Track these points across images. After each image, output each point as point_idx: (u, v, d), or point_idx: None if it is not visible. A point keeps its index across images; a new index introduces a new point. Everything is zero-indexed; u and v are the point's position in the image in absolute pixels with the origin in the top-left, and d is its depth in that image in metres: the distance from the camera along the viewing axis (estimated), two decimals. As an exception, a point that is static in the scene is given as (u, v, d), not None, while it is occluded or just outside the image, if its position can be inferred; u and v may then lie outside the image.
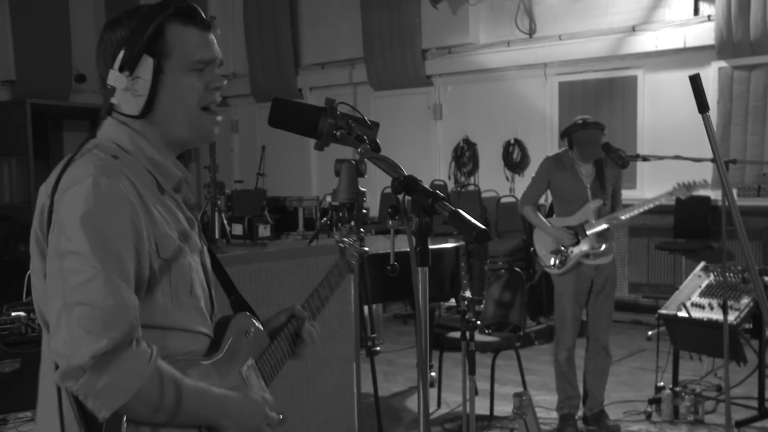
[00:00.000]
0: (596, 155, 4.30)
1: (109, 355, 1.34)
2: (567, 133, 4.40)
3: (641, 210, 4.34)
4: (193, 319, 1.56)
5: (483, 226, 1.30)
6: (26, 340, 3.15)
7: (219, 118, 1.61)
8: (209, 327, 1.62)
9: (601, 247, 4.36)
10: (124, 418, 1.37)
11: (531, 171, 4.73)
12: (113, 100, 1.51)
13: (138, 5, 1.55)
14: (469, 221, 1.32)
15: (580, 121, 4.36)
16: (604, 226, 4.33)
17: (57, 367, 1.37)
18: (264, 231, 8.62)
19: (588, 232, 4.33)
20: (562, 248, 4.36)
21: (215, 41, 1.58)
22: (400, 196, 1.42)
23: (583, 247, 4.33)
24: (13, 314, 3.20)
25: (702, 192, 4.92)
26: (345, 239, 2.18)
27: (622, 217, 4.33)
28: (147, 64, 1.49)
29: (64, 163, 1.46)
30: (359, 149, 1.52)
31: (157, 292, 1.48)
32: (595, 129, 4.30)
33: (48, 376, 1.49)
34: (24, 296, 4.21)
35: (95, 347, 1.33)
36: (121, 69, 1.49)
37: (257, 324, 1.75)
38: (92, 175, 1.40)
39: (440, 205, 1.36)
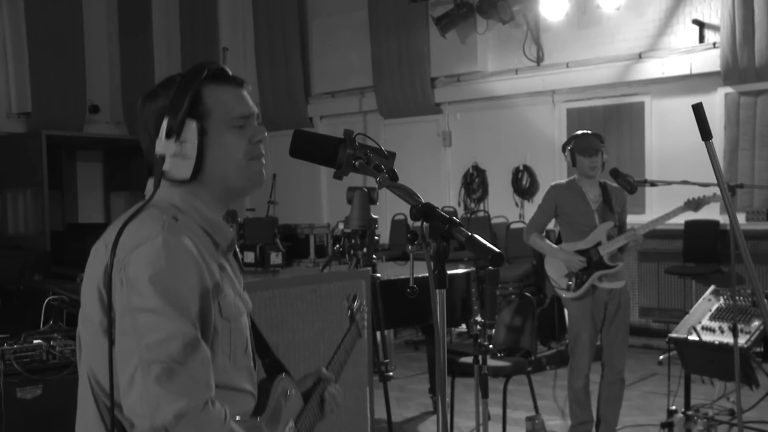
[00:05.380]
0: (596, 151, 4.38)
1: (189, 416, 1.33)
2: (566, 146, 4.51)
3: (656, 225, 4.38)
4: (243, 378, 1.58)
5: (498, 250, 1.36)
6: (47, 367, 3.20)
7: (263, 159, 1.62)
8: (255, 387, 1.63)
9: (615, 267, 4.40)
10: None
11: (540, 197, 4.80)
12: (165, 167, 1.50)
13: (172, 75, 1.59)
14: (485, 245, 1.38)
15: (577, 133, 4.53)
16: (623, 242, 4.37)
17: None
18: (276, 258, 8.67)
19: (603, 253, 4.37)
20: (576, 271, 4.40)
21: (249, 96, 1.61)
22: (419, 223, 1.47)
23: (596, 269, 4.38)
24: (34, 342, 3.26)
25: (710, 212, 4.96)
26: (354, 305, 2.25)
27: (641, 232, 4.37)
28: (191, 128, 1.51)
29: (124, 220, 1.46)
30: (378, 178, 1.57)
31: (218, 350, 1.48)
32: (592, 136, 4.44)
33: None
34: (41, 325, 4.26)
35: (177, 406, 1.32)
36: (167, 136, 1.50)
37: (294, 387, 1.78)
38: (161, 235, 1.42)
39: (457, 231, 1.43)
